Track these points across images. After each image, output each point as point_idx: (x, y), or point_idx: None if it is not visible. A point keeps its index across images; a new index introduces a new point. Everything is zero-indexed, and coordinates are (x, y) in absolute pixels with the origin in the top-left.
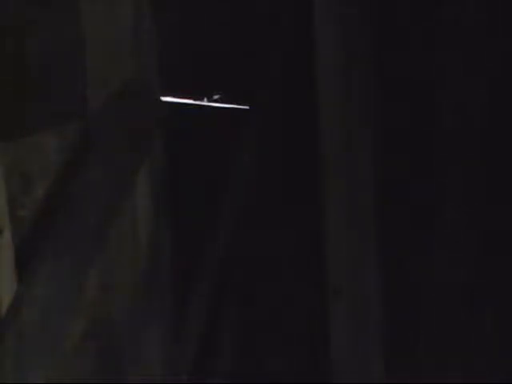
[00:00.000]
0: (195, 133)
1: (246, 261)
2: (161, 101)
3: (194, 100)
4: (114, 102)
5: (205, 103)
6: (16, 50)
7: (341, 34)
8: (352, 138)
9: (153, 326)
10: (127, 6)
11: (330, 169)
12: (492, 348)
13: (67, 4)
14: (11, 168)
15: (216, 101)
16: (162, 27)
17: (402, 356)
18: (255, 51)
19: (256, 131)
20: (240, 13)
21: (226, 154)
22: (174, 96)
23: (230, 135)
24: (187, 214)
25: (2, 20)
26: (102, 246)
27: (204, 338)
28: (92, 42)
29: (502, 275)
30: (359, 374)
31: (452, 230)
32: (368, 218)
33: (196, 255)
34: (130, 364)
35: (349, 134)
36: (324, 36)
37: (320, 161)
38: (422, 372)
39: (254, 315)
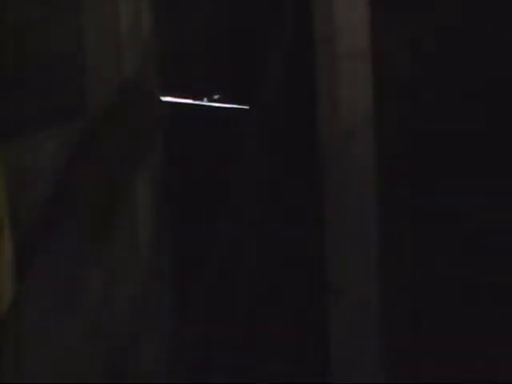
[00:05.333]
0: (195, 133)
1: (246, 261)
2: (161, 101)
3: (194, 100)
4: (113, 101)
5: (205, 103)
6: (16, 49)
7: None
8: (353, 137)
9: (153, 326)
10: (127, 5)
11: (330, 168)
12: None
13: (67, 3)
14: (11, 168)
15: (216, 101)
16: (161, 26)
17: (402, 356)
18: (255, 51)
19: (256, 131)
20: (240, 12)
21: (226, 153)
22: (174, 96)
23: (230, 135)
24: (187, 213)
25: (3, 19)
26: (102, 245)
27: (204, 338)
28: (92, 42)
29: None
30: (359, 374)
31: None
32: (368, 217)
33: (196, 255)
34: (131, 363)
35: (349, 133)
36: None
37: (320, 160)
38: (421, 372)
39: (253, 315)
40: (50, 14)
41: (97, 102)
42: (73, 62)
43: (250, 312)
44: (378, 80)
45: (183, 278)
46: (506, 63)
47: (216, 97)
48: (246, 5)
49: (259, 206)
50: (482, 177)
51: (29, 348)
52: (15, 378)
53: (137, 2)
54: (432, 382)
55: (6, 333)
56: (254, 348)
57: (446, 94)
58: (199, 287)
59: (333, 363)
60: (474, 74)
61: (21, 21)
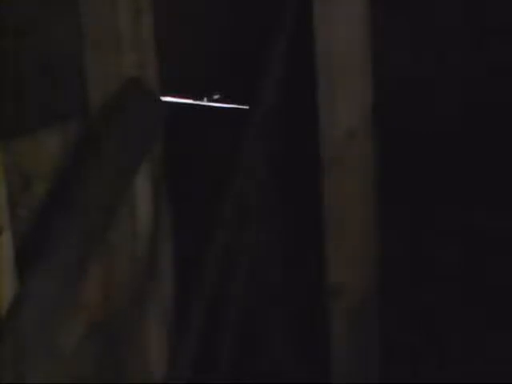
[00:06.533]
0: (195, 133)
1: (246, 261)
2: (161, 101)
3: (194, 100)
4: (113, 101)
5: (205, 103)
6: (16, 50)
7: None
8: (352, 137)
9: (153, 326)
10: (127, 5)
11: (330, 168)
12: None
13: (67, 4)
14: (11, 168)
15: (216, 101)
16: (161, 26)
17: (402, 356)
18: (255, 51)
19: (256, 131)
20: (240, 12)
21: (226, 153)
22: (174, 96)
23: (230, 135)
24: (187, 213)
25: (3, 19)
26: (102, 245)
27: (204, 338)
28: (92, 42)
29: None
30: (359, 374)
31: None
32: (368, 217)
33: (196, 255)
34: (130, 364)
35: (349, 133)
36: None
37: (320, 160)
38: (421, 372)
39: (253, 315)
40: (50, 14)
41: (97, 102)
42: (73, 61)
43: (250, 312)
44: (378, 80)
45: (183, 276)
46: (507, 63)
47: (216, 97)
48: (247, 5)
49: (259, 206)
50: (482, 176)
51: (29, 348)
52: (15, 377)
53: (137, 2)
54: (432, 382)
55: (6, 333)
56: (254, 348)
57: (446, 94)
58: (199, 286)
59: (333, 363)
60: (474, 74)
61: (21, 21)
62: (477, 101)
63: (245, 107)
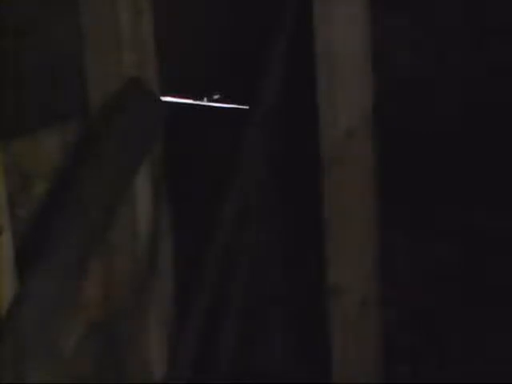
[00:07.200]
0: (195, 133)
1: (246, 261)
2: (161, 101)
3: (194, 100)
4: (113, 101)
5: (205, 103)
6: (16, 50)
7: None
8: (352, 137)
9: (153, 326)
10: (127, 5)
11: (330, 168)
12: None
13: (67, 4)
14: (11, 168)
15: (216, 101)
16: (161, 26)
17: (402, 356)
18: (255, 51)
19: (256, 131)
20: (240, 12)
21: (226, 153)
22: (174, 96)
23: (230, 135)
24: (187, 213)
25: (2, 20)
26: (102, 245)
27: (204, 338)
28: (92, 42)
29: None
30: (359, 374)
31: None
32: (368, 217)
33: (196, 255)
34: (130, 364)
35: (349, 133)
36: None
37: (320, 160)
38: (421, 372)
39: (253, 315)
40: (50, 14)
41: (97, 102)
42: (73, 61)
43: (250, 312)
44: (378, 80)
45: (183, 276)
46: (507, 63)
47: (216, 97)
48: (247, 5)
49: (259, 206)
50: (482, 176)
51: (29, 348)
52: (15, 377)
53: (137, 2)
54: (432, 382)
55: (6, 333)
56: (254, 348)
57: (446, 94)
58: (199, 286)
59: (333, 363)
60: (474, 74)
61: (21, 21)
62: (477, 101)
63: (245, 107)
